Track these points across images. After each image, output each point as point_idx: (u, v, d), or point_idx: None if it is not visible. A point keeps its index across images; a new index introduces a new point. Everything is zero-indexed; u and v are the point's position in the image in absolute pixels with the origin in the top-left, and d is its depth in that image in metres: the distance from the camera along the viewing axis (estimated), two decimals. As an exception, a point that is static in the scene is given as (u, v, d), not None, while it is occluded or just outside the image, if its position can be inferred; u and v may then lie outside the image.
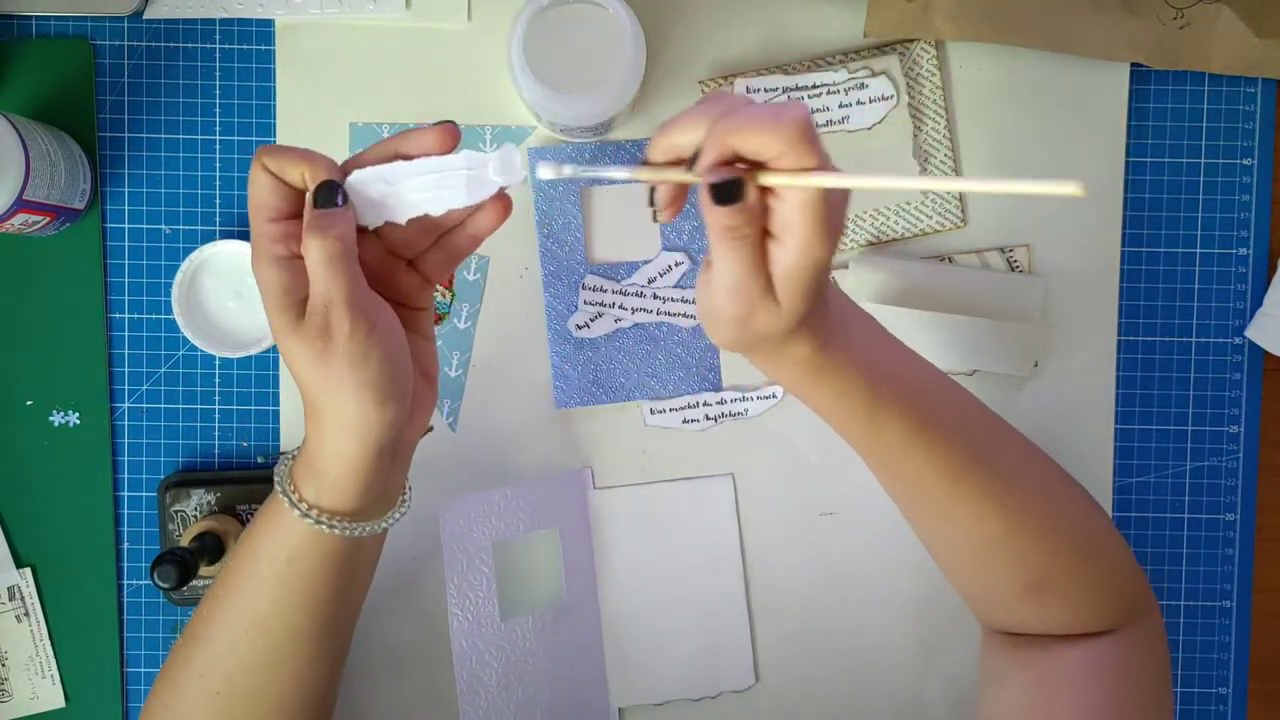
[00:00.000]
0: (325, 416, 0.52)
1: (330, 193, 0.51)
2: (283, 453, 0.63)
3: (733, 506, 0.76)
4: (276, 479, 0.56)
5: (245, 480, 0.73)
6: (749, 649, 0.76)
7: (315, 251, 0.50)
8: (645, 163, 0.49)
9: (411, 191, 0.52)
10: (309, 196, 0.51)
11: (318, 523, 0.54)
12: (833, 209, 0.47)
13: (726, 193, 0.46)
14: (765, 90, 0.72)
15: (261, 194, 0.51)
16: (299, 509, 0.54)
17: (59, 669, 0.74)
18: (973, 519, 0.57)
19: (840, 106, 0.73)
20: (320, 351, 0.50)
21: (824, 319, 0.51)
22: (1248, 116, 0.75)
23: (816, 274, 0.48)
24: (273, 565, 0.55)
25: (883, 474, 0.58)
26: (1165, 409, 0.76)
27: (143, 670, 0.75)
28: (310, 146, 0.76)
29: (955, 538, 0.59)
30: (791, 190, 0.46)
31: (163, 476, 0.74)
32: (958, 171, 0.74)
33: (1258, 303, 0.75)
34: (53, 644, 0.74)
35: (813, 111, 0.73)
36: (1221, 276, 0.75)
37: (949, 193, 0.43)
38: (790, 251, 0.47)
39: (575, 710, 0.75)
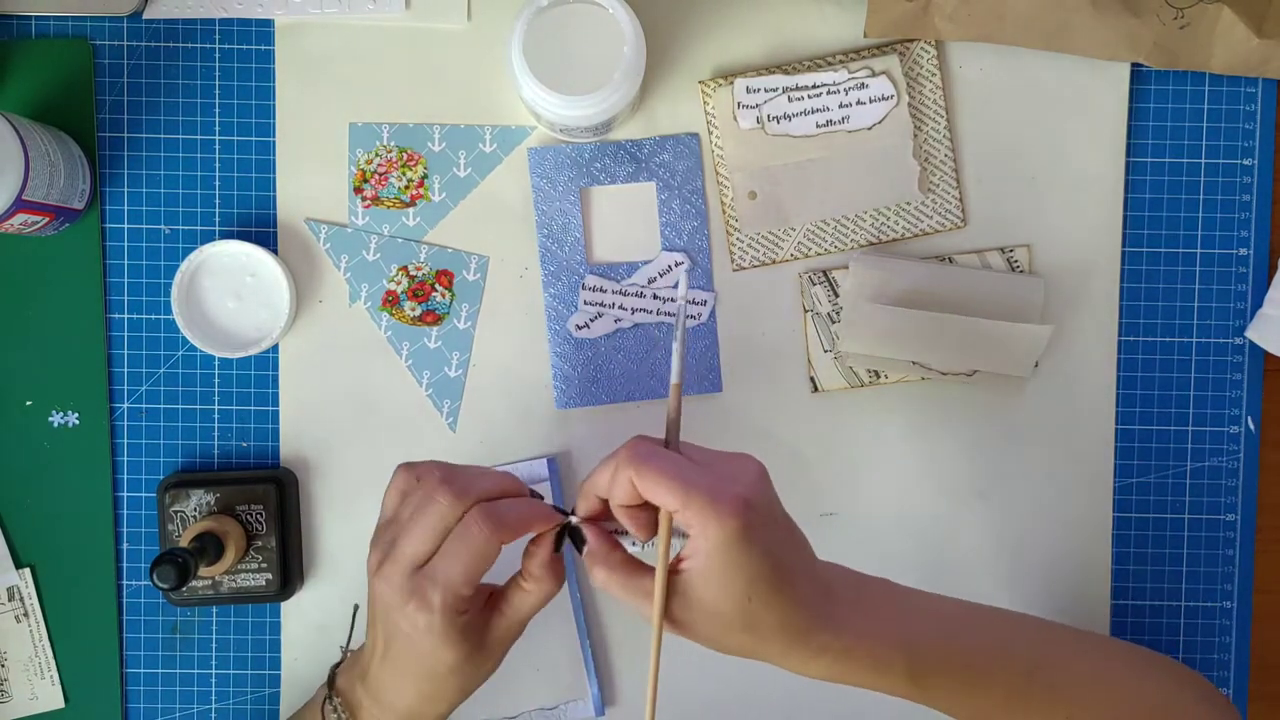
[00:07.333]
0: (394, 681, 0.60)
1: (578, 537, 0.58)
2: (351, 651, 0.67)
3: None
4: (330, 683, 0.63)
5: (245, 481, 0.73)
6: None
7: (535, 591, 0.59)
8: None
9: None
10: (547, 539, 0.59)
11: None
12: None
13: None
14: (765, 90, 0.72)
15: (481, 565, 0.56)
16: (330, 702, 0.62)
17: (58, 669, 0.74)
18: None
19: (840, 106, 0.73)
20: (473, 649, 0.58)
21: (831, 605, 0.54)
22: (1248, 117, 0.75)
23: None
24: None
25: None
26: (1165, 409, 0.76)
27: (142, 671, 0.75)
28: (310, 146, 0.76)
29: None
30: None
31: (162, 477, 0.74)
32: (958, 172, 0.74)
33: (1258, 303, 0.75)
34: (52, 644, 0.74)
35: (813, 111, 0.73)
36: (1222, 277, 0.75)
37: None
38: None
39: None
